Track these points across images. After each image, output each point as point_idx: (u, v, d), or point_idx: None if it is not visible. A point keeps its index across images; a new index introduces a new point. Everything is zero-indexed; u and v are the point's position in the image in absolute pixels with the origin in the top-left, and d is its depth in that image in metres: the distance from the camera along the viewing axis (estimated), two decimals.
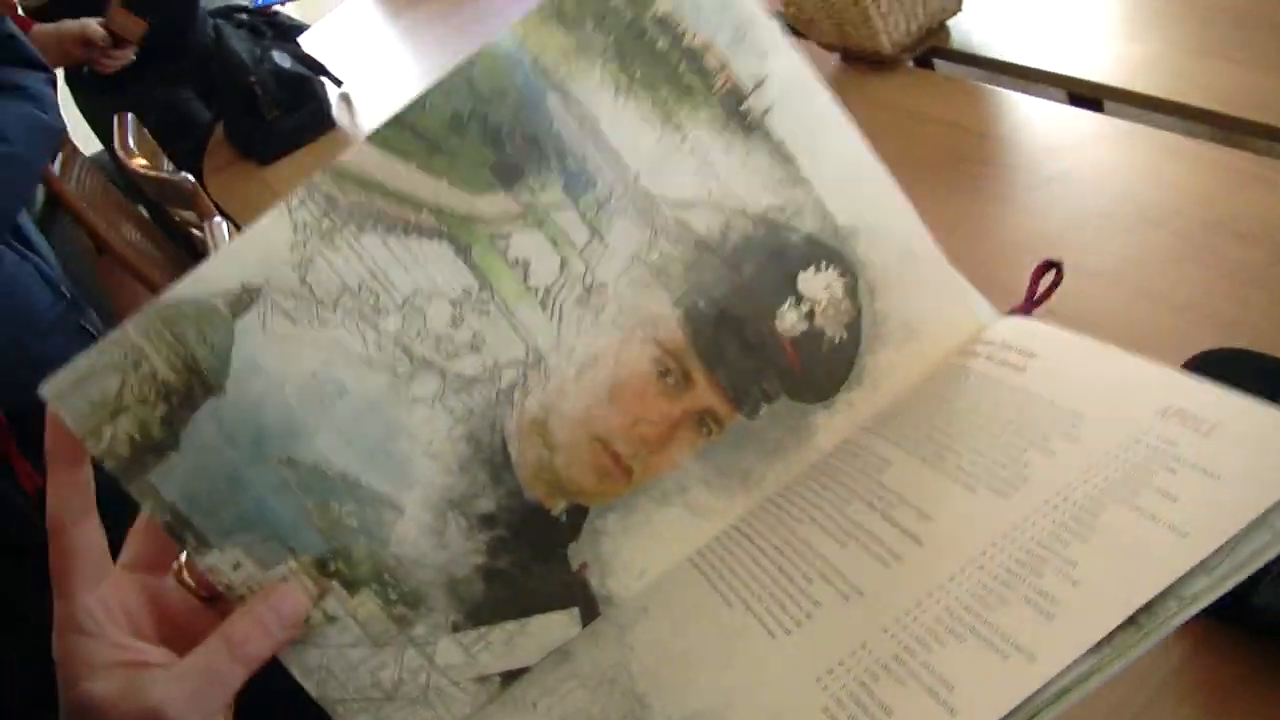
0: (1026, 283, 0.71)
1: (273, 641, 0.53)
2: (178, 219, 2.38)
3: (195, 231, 2.16)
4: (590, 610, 0.58)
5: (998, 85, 1.57)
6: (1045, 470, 0.52)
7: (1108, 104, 1.49)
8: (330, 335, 0.54)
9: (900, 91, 1.61)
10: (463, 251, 0.55)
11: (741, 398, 0.59)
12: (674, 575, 0.59)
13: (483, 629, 0.58)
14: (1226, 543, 0.45)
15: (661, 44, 0.55)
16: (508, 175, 0.54)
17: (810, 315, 0.59)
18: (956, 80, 1.66)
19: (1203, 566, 0.45)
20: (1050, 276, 0.66)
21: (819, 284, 0.60)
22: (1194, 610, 0.45)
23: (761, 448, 0.59)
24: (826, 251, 0.59)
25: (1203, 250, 1.20)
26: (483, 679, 0.58)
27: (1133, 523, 0.48)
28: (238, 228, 1.93)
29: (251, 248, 0.52)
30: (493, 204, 0.54)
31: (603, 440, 0.58)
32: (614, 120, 0.55)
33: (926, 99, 1.60)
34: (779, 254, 0.58)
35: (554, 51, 0.54)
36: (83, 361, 0.51)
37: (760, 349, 0.58)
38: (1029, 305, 0.65)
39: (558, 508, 0.58)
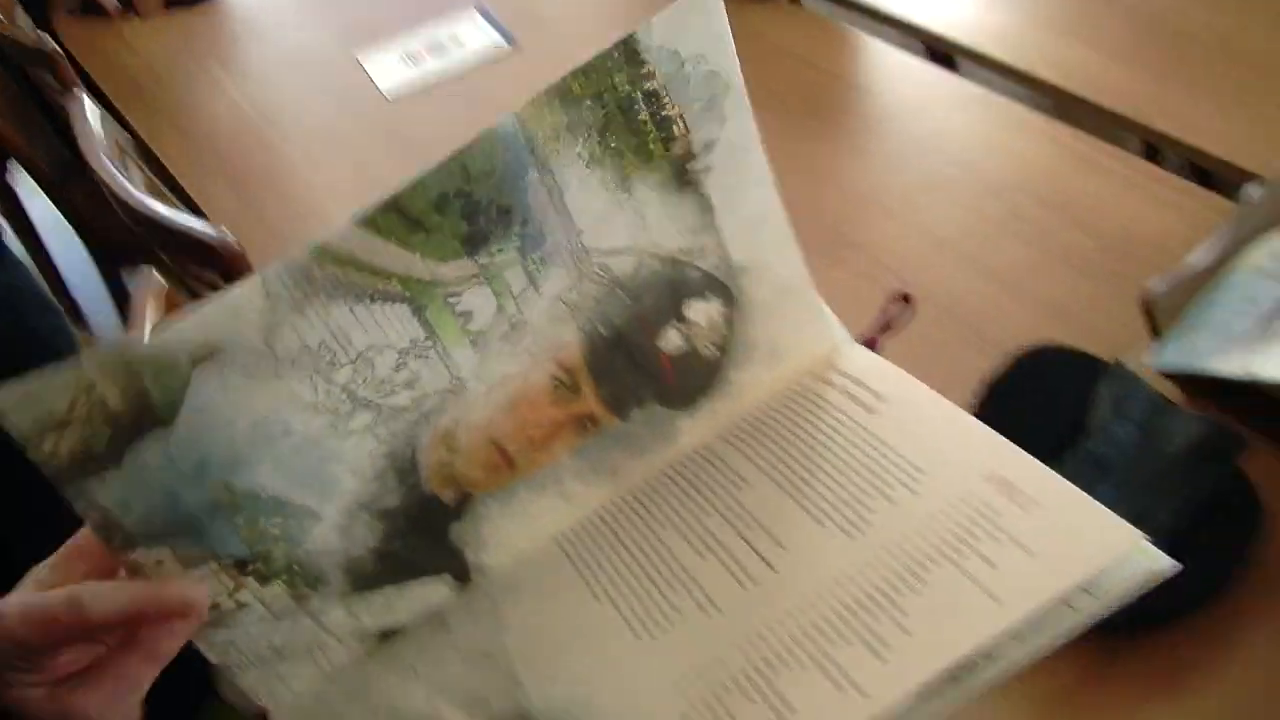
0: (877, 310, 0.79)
1: (181, 639, 0.58)
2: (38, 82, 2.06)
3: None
4: (463, 576, 0.66)
5: (862, 29, 1.62)
6: (887, 517, 0.61)
7: (962, 64, 1.56)
8: (284, 386, 0.57)
9: (773, 25, 1.65)
10: (418, 311, 0.60)
11: (619, 405, 0.67)
12: (543, 559, 0.66)
13: (366, 593, 0.64)
14: (1035, 613, 0.54)
15: (643, 116, 0.62)
16: (474, 244, 0.60)
17: (688, 338, 0.67)
18: (825, 20, 1.70)
19: (1016, 635, 0.54)
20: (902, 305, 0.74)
21: (702, 311, 0.68)
22: (1005, 672, 0.55)
23: (630, 446, 0.68)
24: (715, 285, 0.67)
25: (1039, 231, 1.30)
26: (361, 636, 0.65)
27: (957, 581, 0.57)
28: (99, 101, 1.79)
29: (222, 313, 0.55)
30: (455, 268, 0.60)
31: (496, 441, 0.65)
32: (578, 187, 0.62)
33: (796, 35, 1.64)
34: (676, 286, 0.66)
35: (547, 130, 0.59)
36: (34, 380, 0.53)
37: (642, 365, 0.66)
38: (880, 331, 0.71)
39: (448, 495, 0.65)
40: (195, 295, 1.40)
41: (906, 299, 0.80)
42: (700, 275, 0.67)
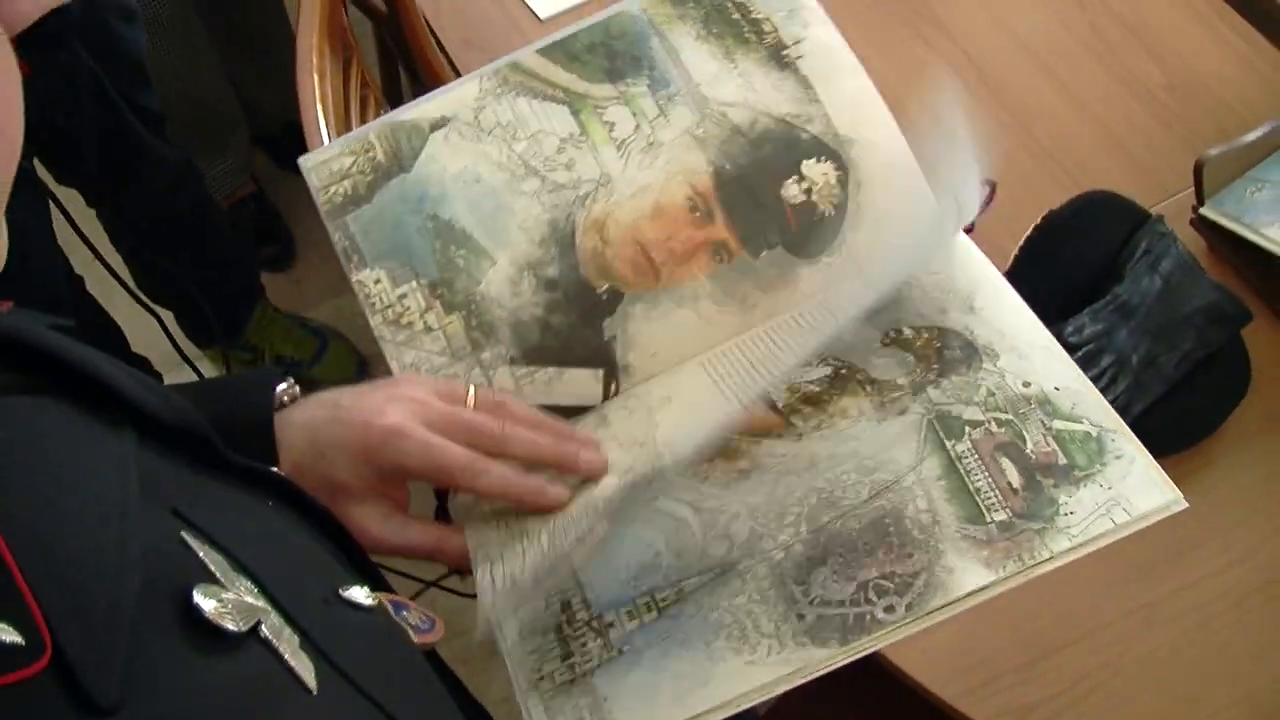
0: None
1: (458, 564, 0.78)
2: None
3: None
4: (610, 373, 0.83)
5: None
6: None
7: None
8: (482, 148, 0.85)
9: None
10: (575, 113, 0.86)
11: (748, 239, 0.84)
12: (691, 376, 0.83)
13: (531, 367, 0.83)
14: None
15: (735, 15, 0.88)
16: (614, 75, 0.86)
17: (809, 191, 0.85)
18: None
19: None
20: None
21: (818, 170, 0.85)
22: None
23: (759, 280, 0.84)
24: (827, 150, 0.85)
25: (1114, 53, 1.45)
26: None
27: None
28: None
29: (450, 96, 0.87)
30: (601, 89, 0.86)
31: (642, 245, 0.84)
32: (691, 52, 0.87)
33: None
34: (791, 144, 0.85)
35: (662, 16, 0.88)
36: (333, 147, 0.86)
37: (767, 207, 0.85)
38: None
39: (602, 287, 0.84)
40: None
41: (992, 186, 0.91)
42: (811, 139, 0.85)
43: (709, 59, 0.87)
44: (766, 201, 0.84)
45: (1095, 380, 0.97)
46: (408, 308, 0.82)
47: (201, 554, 0.46)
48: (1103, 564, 0.98)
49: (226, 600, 0.44)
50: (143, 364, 2.03)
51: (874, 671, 0.98)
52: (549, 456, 0.76)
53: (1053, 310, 1.03)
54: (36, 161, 1.61)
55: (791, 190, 0.84)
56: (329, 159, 0.85)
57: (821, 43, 0.87)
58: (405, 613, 0.66)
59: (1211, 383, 1.06)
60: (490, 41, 1.45)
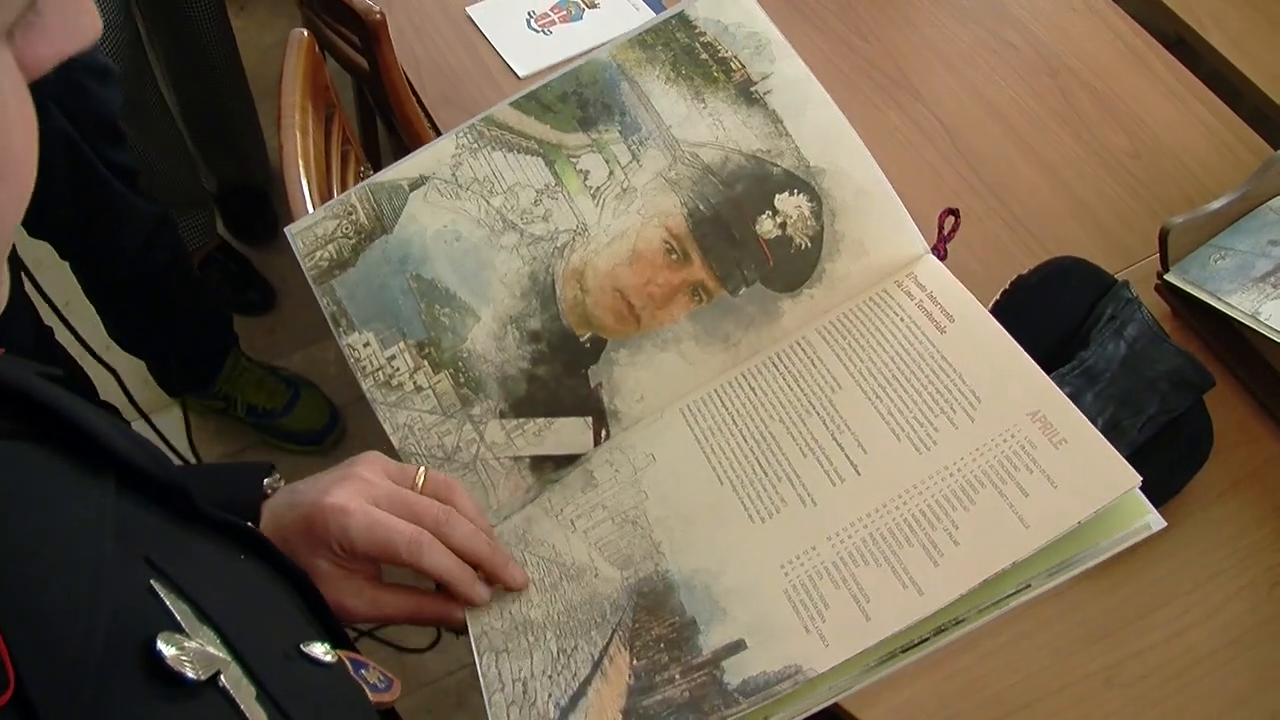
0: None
1: (438, 624, 0.81)
2: None
3: None
4: (600, 420, 0.87)
5: None
6: (949, 438, 0.77)
7: None
8: (460, 204, 0.89)
9: None
10: (549, 163, 0.90)
11: (726, 277, 0.88)
12: (673, 430, 0.86)
13: (521, 419, 0.87)
14: (1060, 542, 0.70)
15: (704, 56, 0.91)
16: (587, 123, 0.90)
17: (783, 225, 0.88)
18: None
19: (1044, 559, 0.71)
20: (951, 220, 0.97)
21: (791, 204, 0.88)
22: (1023, 598, 0.70)
23: (740, 318, 0.88)
24: (799, 182, 0.89)
25: (1084, 121, 1.56)
26: (517, 459, 0.87)
27: (999, 505, 0.73)
28: None
29: (428, 154, 0.90)
30: (574, 138, 0.90)
31: (621, 291, 0.88)
32: (661, 96, 0.91)
33: None
34: (763, 180, 0.89)
35: (631, 61, 0.92)
36: (318, 213, 0.90)
37: (743, 244, 0.89)
38: (941, 246, 0.95)
39: (584, 335, 0.88)
40: (332, 47, 1.50)
41: (955, 214, 0.94)
42: (782, 172, 0.89)
43: (679, 101, 0.91)
44: (742, 239, 0.88)
45: None
46: (397, 369, 0.87)
47: (168, 603, 0.50)
48: (1064, 625, 1.01)
49: (188, 649, 0.47)
50: (113, 413, 2.04)
51: None
52: (484, 556, 0.80)
53: None
54: None
55: (766, 225, 0.88)
56: (313, 224, 0.90)
57: (788, 77, 0.91)
58: (364, 671, 0.69)
59: (1175, 447, 1.09)
60: (469, 98, 1.48)
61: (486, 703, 0.77)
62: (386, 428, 0.86)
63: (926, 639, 0.71)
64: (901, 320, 0.84)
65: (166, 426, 2.26)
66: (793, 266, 0.87)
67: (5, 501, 0.45)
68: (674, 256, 0.88)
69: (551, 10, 1.59)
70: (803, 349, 0.86)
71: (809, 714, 0.72)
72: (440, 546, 0.76)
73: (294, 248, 0.89)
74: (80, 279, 1.96)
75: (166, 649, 0.46)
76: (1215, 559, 1.09)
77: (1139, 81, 1.48)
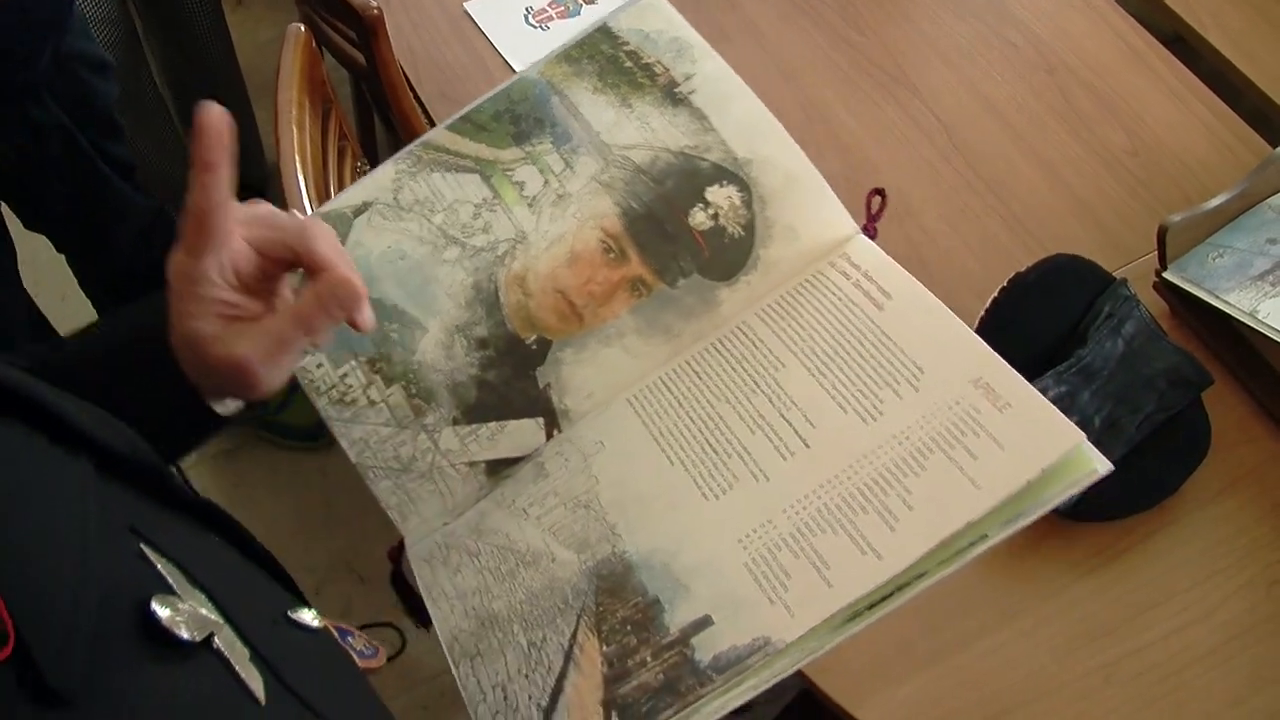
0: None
1: (330, 320, 0.71)
2: None
3: None
4: (551, 420, 0.90)
5: None
6: (894, 408, 0.80)
7: None
8: (403, 225, 0.92)
9: None
10: (486, 179, 0.93)
11: (664, 270, 0.91)
12: (621, 418, 0.89)
13: (474, 425, 0.90)
14: (1012, 498, 0.72)
15: (628, 64, 0.95)
16: (520, 138, 0.94)
17: (715, 216, 0.91)
18: None
19: (997, 515, 0.73)
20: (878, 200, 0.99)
21: (722, 195, 0.91)
22: (981, 549, 0.72)
23: (680, 309, 0.91)
24: (728, 174, 0.92)
25: (1082, 119, 1.53)
26: (472, 464, 0.89)
27: (948, 468, 0.75)
28: None
29: (370, 182, 0.94)
30: (509, 153, 0.93)
31: (562, 292, 0.91)
32: (589, 106, 0.94)
33: None
34: (693, 174, 0.92)
35: (560, 76, 0.95)
36: None
37: (677, 238, 0.91)
38: (870, 225, 0.97)
39: (530, 338, 0.91)
40: (330, 43, 1.50)
41: (882, 194, 0.96)
42: (711, 165, 0.92)
43: (607, 108, 0.94)
44: (676, 232, 0.91)
45: None
46: (350, 386, 0.90)
47: (159, 566, 0.51)
48: (1063, 622, 1.02)
49: (183, 610, 0.49)
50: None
51: None
52: (348, 278, 0.73)
53: (1018, 371, 1.06)
54: (4, 208, 1.63)
55: (699, 218, 0.91)
56: None
57: (710, 75, 0.94)
58: (350, 639, 0.68)
59: (1172, 445, 1.10)
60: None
61: (473, 715, 0.80)
62: (343, 443, 0.89)
63: (890, 595, 0.73)
64: (839, 299, 0.86)
65: None
66: (728, 255, 0.90)
67: None
68: (612, 255, 0.91)
69: (549, 6, 1.61)
70: (744, 333, 0.88)
71: (782, 678, 0.74)
72: (332, 235, 0.72)
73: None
74: (76, 272, 1.96)
75: (162, 610, 0.47)
76: (1213, 557, 1.10)
77: (1138, 80, 1.49)
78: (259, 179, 2.64)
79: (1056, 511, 1.04)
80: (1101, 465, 0.73)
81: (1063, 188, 1.40)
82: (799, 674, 1.01)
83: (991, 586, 1.09)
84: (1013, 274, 1.19)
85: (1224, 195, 1.24)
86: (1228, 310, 1.15)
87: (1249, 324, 1.13)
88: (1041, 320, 1.16)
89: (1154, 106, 1.48)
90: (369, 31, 1.53)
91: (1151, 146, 1.43)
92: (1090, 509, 1.08)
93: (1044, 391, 1.07)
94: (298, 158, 1.31)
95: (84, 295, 2.03)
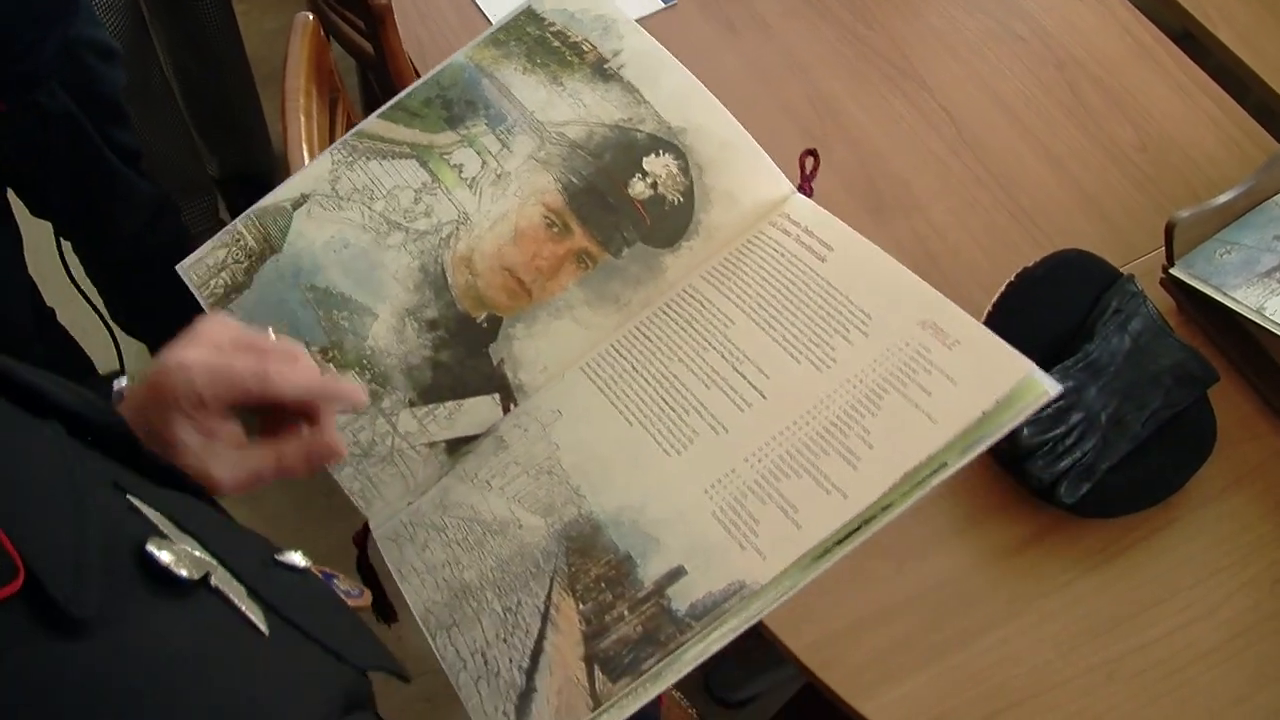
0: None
1: (308, 465, 0.77)
2: None
3: None
4: (507, 395, 0.91)
5: None
6: (846, 354, 0.81)
7: None
8: (344, 214, 0.94)
9: None
10: (423, 163, 0.95)
11: (608, 241, 0.93)
12: (577, 389, 0.90)
13: (431, 405, 0.91)
14: (969, 428, 0.74)
15: (555, 44, 0.97)
16: (454, 121, 0.96)
17: (654, 185, 0.92)
18: None
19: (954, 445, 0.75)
20: (810, 161, 1.00)
21: (659, 164, 0.93)
22: (942, 476, 0.74)
23: (626, 278, 0.92)
24: (663, 144, 0.93)
25: (1091, 114, 1.50)
26: (432, 445, 0.91)
27: (904, 406, 0.77)
28: None
29: (306, 174, 0.96)
30: (444, 137, 0.96)
31: (509, 269, 0.93)
32: (520, 86, 0.96)
33: None
34: (629, 146, 0.94)
35: (488, 59, 0.98)
36: (207, 246, 0.95)
37: (618, 209, 0.93)
38: (805, 185, 0.98)
39: (480, 316, 0.92)
40: (338, 32, 1.50)
41: (814, 155, 0.97)
42: (646, 136, 0.94)
43: (538, 87, 0.97)
44: (617, 203, 0.93)
45: (1064, 437, 1.01)
46: None
47: (148, 513, 0.52)
48: (1067, 619, 1.02)
49: (178, 552, 0.50)
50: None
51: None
52: (324, 384, 0.78)
53: None
54: (11, 195, 1.63)
55: (638, 188, 0.92)
56: (203, 257, 0.97)
57: (638, 50, 0.96)
58: (335, 581, 0.69)
59: (1177, 442, 1.10)
60: None
61: (455, 685, 0.81)
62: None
63: (857, 529, 0.74)
64: (782, 255, 0.87)
65: None
66: (669, 223, 0.92)
67: None
68: (555, 229, 0.93)
69: None
70: (691, 295, 0.89)
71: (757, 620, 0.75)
72: (289, 370, 0.74)
73: (187, 281, 0.96)
74: (81, 260, 1.96)
75: (160, 553, 0.47)
76: (1217, 555, 1.09)
77: (1146, 75, 1.48)
78: (264, 168, 2.67)
79: (1061, 506, 1.05)
80: (1051, 388, 0.74)
81: (1070, 183, 1.39)
82: (802, 668, 1.02)
83: (995, 582, 1.08)
84: (1020, 269, 1.19)
85: (1232, 191, 1.24)
86: (1235, 307, 1.15)
87: (1256, 321, 1.13)
88: (1049, 315, 1.15)
89: (1162, 102, 1.48)
90: (377, 21, 1.54)
91: (1159, 142, 1.43)
92: (1095, 505, 1.08)
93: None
94: (305, 146, 1.32)
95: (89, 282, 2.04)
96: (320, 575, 0.69)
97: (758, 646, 1.00)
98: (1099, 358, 1.11)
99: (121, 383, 0.78)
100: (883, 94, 1.49)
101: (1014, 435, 1.04)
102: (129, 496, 0.52)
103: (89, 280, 2.03)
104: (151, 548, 0.47)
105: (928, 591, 1.08)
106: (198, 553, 0.51)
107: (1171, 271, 1.21)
